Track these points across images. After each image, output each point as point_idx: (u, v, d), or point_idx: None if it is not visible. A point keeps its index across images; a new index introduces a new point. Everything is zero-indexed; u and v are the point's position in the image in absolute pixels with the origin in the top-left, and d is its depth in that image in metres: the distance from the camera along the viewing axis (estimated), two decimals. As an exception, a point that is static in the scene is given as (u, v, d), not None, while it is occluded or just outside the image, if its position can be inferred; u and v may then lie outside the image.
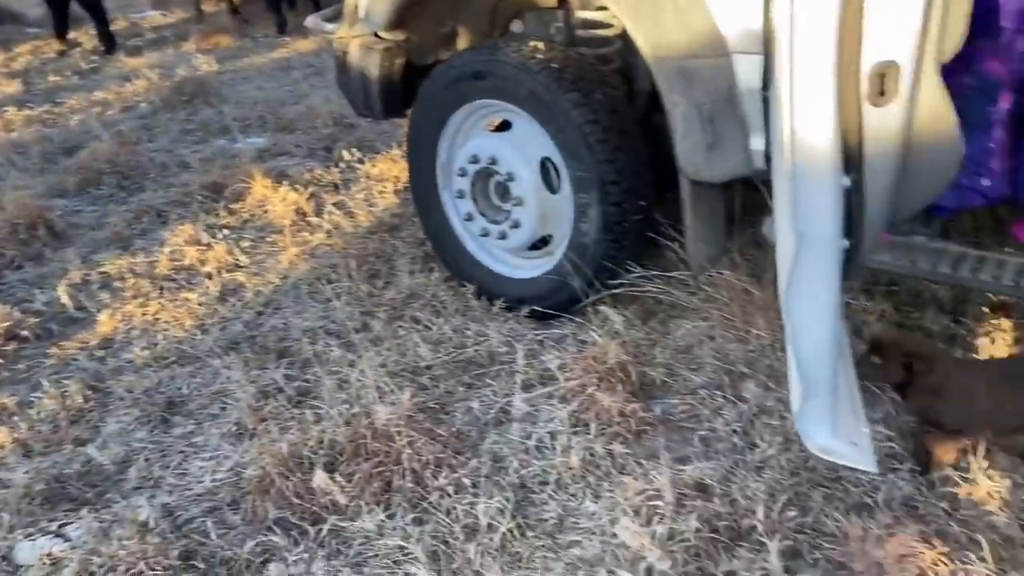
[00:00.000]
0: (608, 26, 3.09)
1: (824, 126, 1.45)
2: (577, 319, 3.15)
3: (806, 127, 1.46)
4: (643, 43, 2.68)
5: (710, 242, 2.94)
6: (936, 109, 1.48)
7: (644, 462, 2.49)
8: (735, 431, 2.57)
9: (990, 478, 2.28)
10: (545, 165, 3.07)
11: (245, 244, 4.11)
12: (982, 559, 2.05)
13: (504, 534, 2.29)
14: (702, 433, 2.60)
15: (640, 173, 2.99)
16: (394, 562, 2.25)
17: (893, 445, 2.43)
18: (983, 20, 2.51)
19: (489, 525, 2.33)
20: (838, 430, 1.73)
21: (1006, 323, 2.85)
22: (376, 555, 2.27)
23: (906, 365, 2.11)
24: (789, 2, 1.39)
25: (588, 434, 2.61)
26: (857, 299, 3.05)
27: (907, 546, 2.09)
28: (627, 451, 2.54)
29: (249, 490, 2.51)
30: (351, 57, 3.44)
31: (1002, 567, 2.04)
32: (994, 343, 2.80)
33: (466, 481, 2.48)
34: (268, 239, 4.14)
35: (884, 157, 1.48)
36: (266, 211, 4.39)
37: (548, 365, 2.94)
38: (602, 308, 3.06)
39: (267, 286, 3.73)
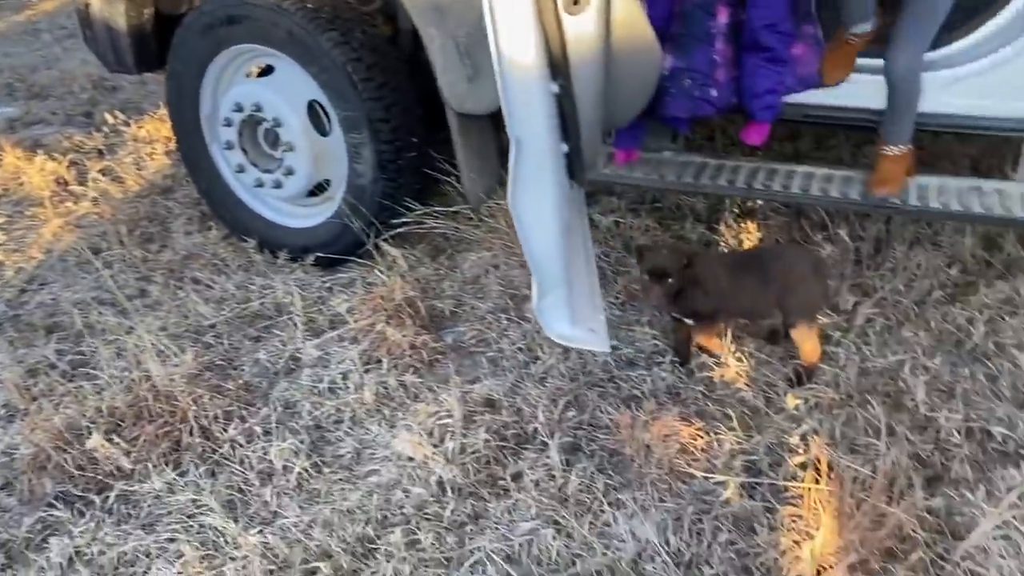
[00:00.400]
0: (365, -36, 3.07)
1: (526, 35, 1.55)
2: (364, 262, 3.17)
3: (510, 37, 1.55)
4: (391, -24, 2.69)
5: (484, 174, 3.03)
6: (630, 16, 1.61)
7: (436, 388, 2.58)
8: (520, 349, 2.71)
9: (739, 360, 2.55)
10: (313, 108, 3.04)
11: (0, 221, 3.78)
12: (731, 429, 2.31)
13: (300, 473, 2.32)
14: (490, 354, 2.73)
15: (409, 110, 3.02)
16: (188, 516, 2.21)
17: (657, 343, 2.67)
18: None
19: (284, 467, 2.34)
20: (577, 319, 1.87)
21: (751, 226, 3.16)
22: (168, 512, 2.23)
23: (667, 272, 2.31)
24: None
25: (381, 370, 2.66)
26: (624, 218, 3.27)
27: (670, 427, 2.31)
28: (420, 380, 2.62)
29: (23, 469, 2.37)
30: (93, 9, 3.22)
31: (748, 433, 2.30)
32: (742, 245, 3.10)
33: (258, 429, 2.47)
34: (27, 213, 3.83)
35: (587, 63, 1.61)
36: (21, 184, 4.05)
37: (337, 309, 2.95)
38: (388, 248, 3.10)
39: (29, 262, 3.47)
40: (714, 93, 2.62)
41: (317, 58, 2.87)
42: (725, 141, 3.68)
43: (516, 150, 1.63)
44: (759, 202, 3.20)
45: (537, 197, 1.63)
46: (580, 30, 1.56)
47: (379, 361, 2.70)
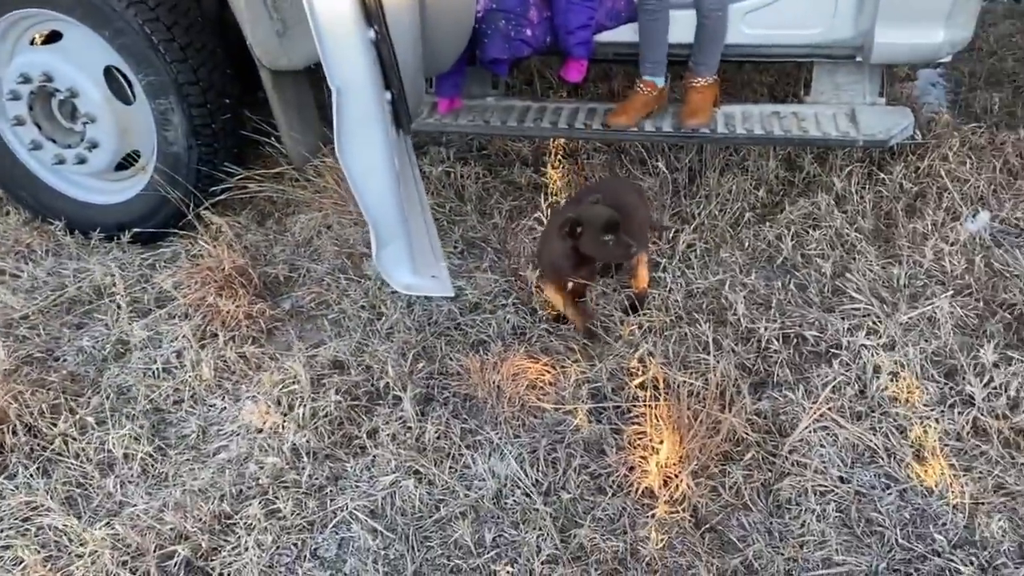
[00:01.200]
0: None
1: (338, -15, 1.52)
2: (187, 234, 3.01)
3: (320, -11, 1.52)
4: (186, -69, 2.53)
5: (306, 132, 2.95)
6: (438, -38, 1.62)
7: (279, 356, 2.51)
8: (363, 307, 2.68)
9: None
10: (113, 75, 2.83)
11: None
12: (575, 360, 2.40)
13: (143, 459, 2.21)
14: (332, 316, 2.68)
15: (219, 70, 2.86)
16: (23, 519, 2.06)
17: (499, 286, 2.72)
18: None
19: (126, 455, 2.22)
20: (418, 268, 1.89)
21: (577, 165, 3.26)
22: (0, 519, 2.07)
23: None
24: None
25: (217, 344, 2.56)
26: (454, 167, 3.28)
27: (518, 366, 2.37)
28: (260, 350, 2.55)
29: None
30: None
31: (591, 363, 2.40)
32: (569, 185, 3.19)
33: (91, 420, 2.32)
34: None
35: (402, 8, 1.60)
36: None
37: (163, 286, 2.80)
38: (211, 217, 2.96)
39: None
40: (529, 33, 2.67)
41: (110, 20, 2.66)
42: (544, 85, 3.75)
43: (338, 100, 1.60)
44: (581, 141, 3.29)
45: (365, 146, 1.61)
46: (391, -26, 1.54)
47: (215, 335, 2.59)
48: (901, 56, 2.65)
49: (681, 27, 2.68)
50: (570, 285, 2.40)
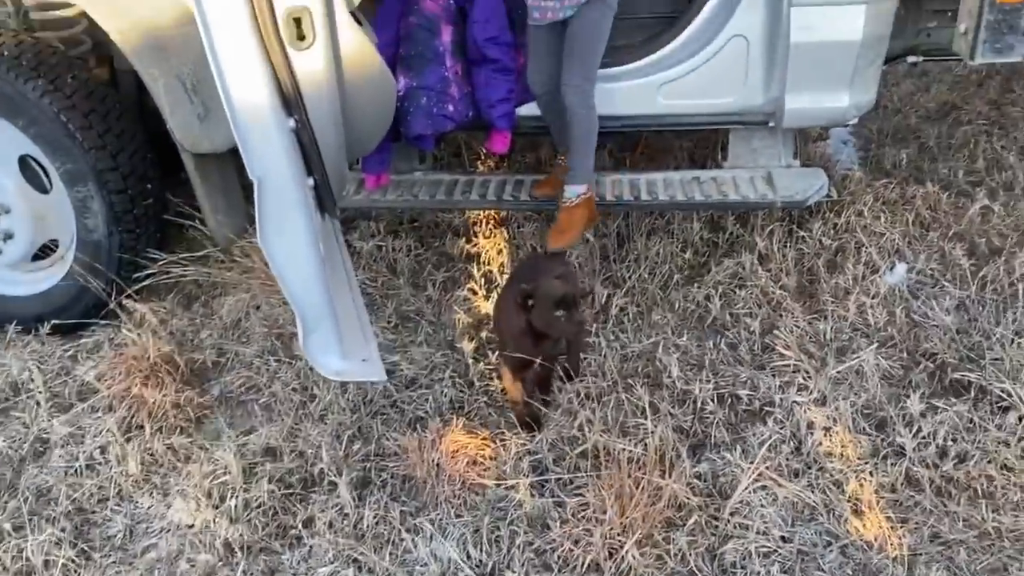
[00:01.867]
0: (69, 5, 2.84)
1: (254, 75, 1.52)
2: (109, 323, 2.92)
3: (238, 78, 1.51)
4: (103, 21, 2.52)
5: (231, 213, 2.91)
6: (357, 46, 1.64)
7: (209, 446, 2.43)
8: (294, 390, 2.62)
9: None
10: (28, 164, 2.76)
11: None
12: (515, 432, 2.38)
13: (65, 565, 2.09)
14: (263, 400, 2.62)
15: (140, 155, 2.83)
16: (-70, 645, 1.93)
17: (434, 359, 2.69)
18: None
19: (46, 563, 2.11)
20: (348, 352, 1.86)
21: (508, 234, 3.28)
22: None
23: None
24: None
25: (143, 436, 2.47)
26: (385, 240, 3.27)
27: (458, 442, 2.34)
28: (189, 440, 2.46)
29: None
30: None
31: (531, 433, 2.38)
32: (500, 254, 3.21)
33: (7, 526, 2.20)
34: None
35: (321, 96, 1.61)
36: None
37: (85, 378, 2.70)
38: (136, 305, 2.88)
39: None
40: (451, 108, 2.71)
41: (24, 110, 2.61)
42: (472, 154, 3.80)
43: (260, 190, 1.59)
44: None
45: (288, 235, 1.59)
46: (309, 65, 1.55)
47: (141, 427, 2.50)
48: (811, 120, 2.76)
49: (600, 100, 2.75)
50: (531, 374, 2.36)
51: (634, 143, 3.70)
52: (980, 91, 4.20)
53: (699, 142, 3.67)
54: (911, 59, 3.00)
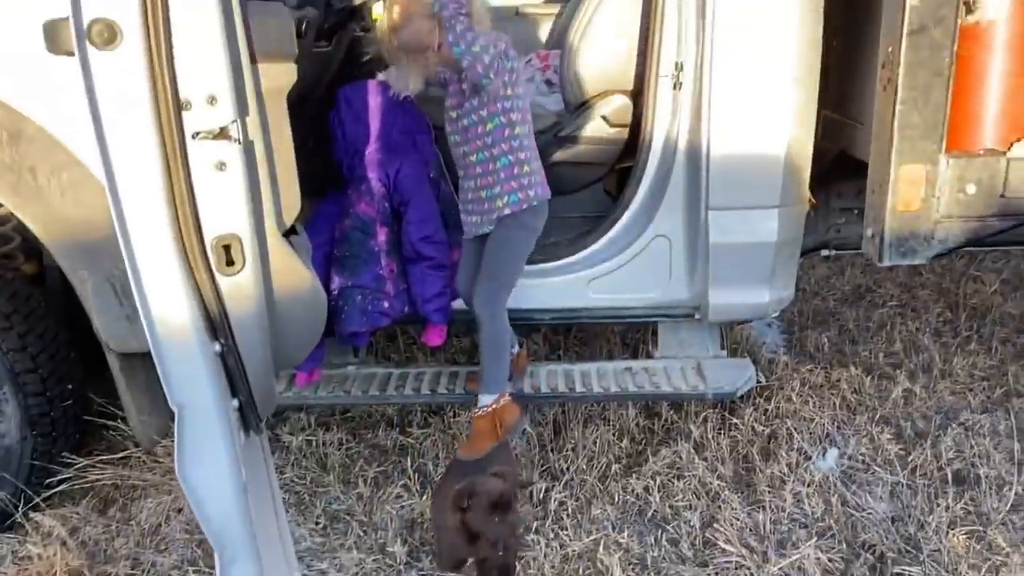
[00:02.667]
0: (-1, 205, 2.83)
1: (179, 300, 1.51)
2: (14, 535, 2.72)
3: (161, 303, 1.50)
4: (32, 222, 2.50)
5: (155, 412, 2.80)
6: (287, 265, 1.66)
7: (115, 674, 2.22)
8: (214, 604, 2.45)
9: None
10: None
11: None
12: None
13: None
14: (179, 618, 2.43)
15: (62, 355, 2.74)
16: None
17: (365, 565, 2.56)
18: (351, 173, 2.92)
19: None
20: (268, 582, 1.75)
21: (442, 425, 3.24)
22: None
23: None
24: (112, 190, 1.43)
25: (42, 666, 2.25)
26: (316, 434, 3.18)
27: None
28: (91, 670, 2.25)
29: None
30: None
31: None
32: (435, 446, 3.15)
33: None
34: None
35: (249, 317, 1.60)
36: None
37: (-19, 599, 2.48)
38: (43, 515, 2.70)
39: None
40: (386, 305, 2.73)
41: (-61, 311, 2.53)
42: (407, 340, 3.80)
43: (180, 418, 1.54)
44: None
45: (208, 465, 1.53)
46: (238, 289, 1.55)
47: (40, 655, 2.28)
48: (734, 315, 2.86)
49: (533, 295, 2.81)
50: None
51: (567, 328, 3.76)
52: (891, 275, 4.44)
53: (630, 327, 3.76)
54: (824, 252, 3.18)
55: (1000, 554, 2.49)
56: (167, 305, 1.51)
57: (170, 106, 1.41)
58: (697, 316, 2.84)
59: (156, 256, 1.48)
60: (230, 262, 1.51)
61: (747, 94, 2.49)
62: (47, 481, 2.75)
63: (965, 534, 2.56)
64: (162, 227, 1.47)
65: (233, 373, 1.60)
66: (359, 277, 2.69)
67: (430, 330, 2.93)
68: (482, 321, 2.68)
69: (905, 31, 2.24)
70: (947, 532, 2.57)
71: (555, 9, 3.62)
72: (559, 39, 3.20)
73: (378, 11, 3.77)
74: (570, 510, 2.77)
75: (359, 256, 2.70)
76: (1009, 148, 2.39)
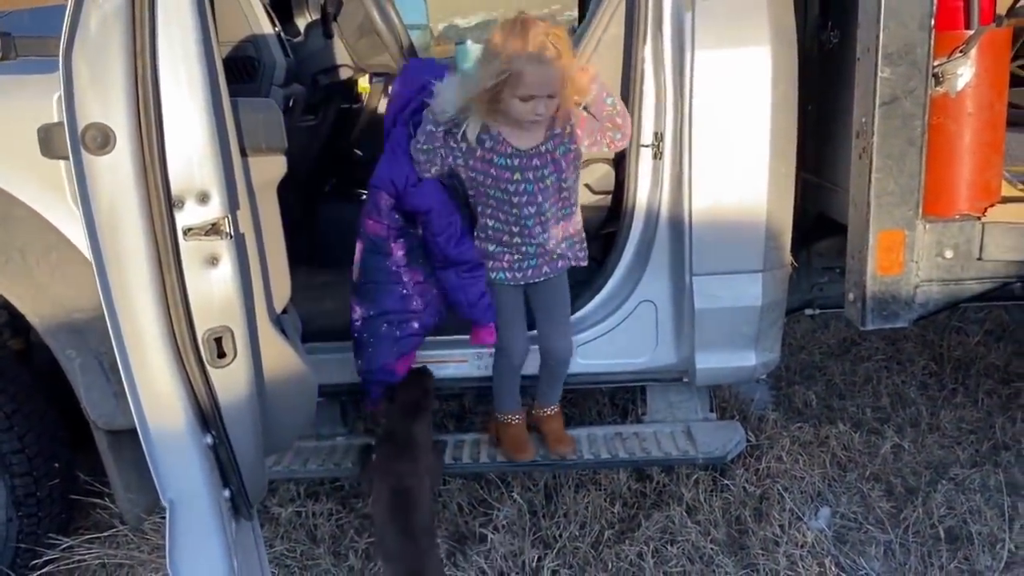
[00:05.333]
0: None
1: (170, 394, 1.52)
2: (-2, 619, 2.67)
3: (153, 397, 1.51)
4: (20, 303, 2.50)
5: (142, 490, 2.77)
6: (279, 354, 1.68)
7: None
8: None
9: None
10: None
11: None
12: None
13: None
14: None
15: (49, 434, 2.73)
16: None
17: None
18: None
19: None
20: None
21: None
22: None
23: None
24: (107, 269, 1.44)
25: None
26: (305, 504, 3.16)
27: None
28: None
29: None
30: None
31: None
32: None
33: None
34: None
35: (241, 408, 1.61)
36: None
37: None
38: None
39: None
40: (416, 325, 2.68)
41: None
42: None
43: (172, 513, 1.54)
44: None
45: (202, 559, 1.53)
46: (229, 381, 1.57)
47: None
48: (721, 378, 2.88)
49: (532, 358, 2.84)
50: None
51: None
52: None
53: (619, 388, 3.77)
54: (808, 311, 3.22)
55: (995, 615, 2.49)
56: (158, 399, 1.52)
57: (162, 205, 1.43)
58: (685, 380, 2.85)
59: (147, 351, 1.49)
60: (221, 354, 1.52)
61: (726, 164, 2.55)
62: (32, 563, 2.71)
63: (959, 595, 2.56)
64: (153, 323, 1.48)
65: (225, 464, 1.60)
66: (381, 304, 2.63)
67: (481, 331, 2.80)
68: (567, 359, 2.84)
69: (877, 102, 2.31)
70: (941, 594, 2.56)
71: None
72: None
73: (364, 84, 3.86)
74: (564, 580, 2.75)
75: (377, 281, 2.63)
76: (984, 213, 2.45)
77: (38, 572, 2.73)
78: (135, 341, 1.52)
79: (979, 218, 2.44)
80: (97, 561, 2.88)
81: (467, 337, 2.82)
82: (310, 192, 2.98)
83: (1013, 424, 3.46)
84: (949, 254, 2.43)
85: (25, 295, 2.50)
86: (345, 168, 3.88)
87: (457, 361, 2.91)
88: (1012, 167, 2.68)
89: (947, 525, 2.89)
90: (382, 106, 3.96)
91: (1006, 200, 2.52)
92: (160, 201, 1.43)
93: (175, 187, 1.45)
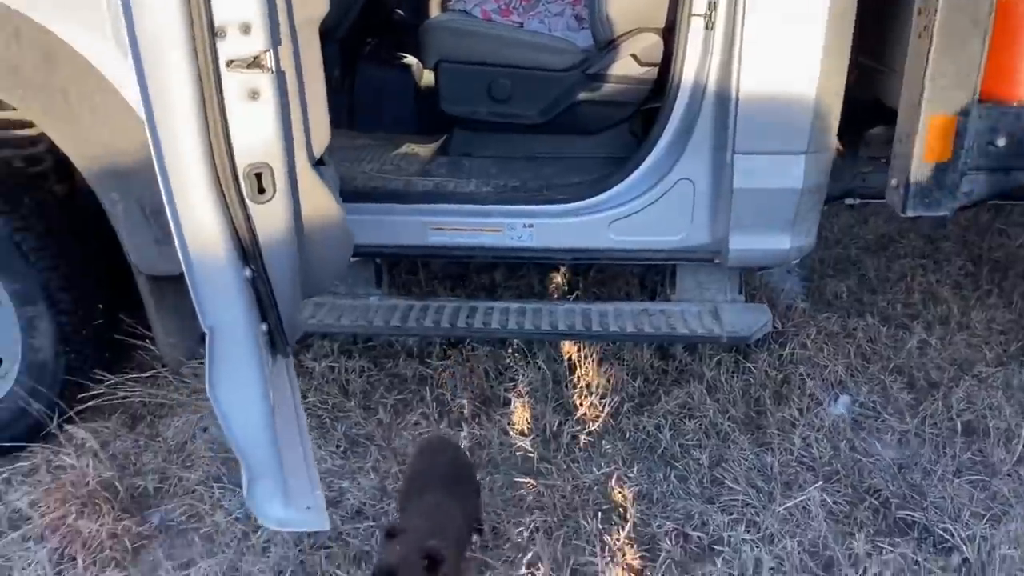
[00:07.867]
0: (31, 125, 2.87)
1: (212, 224, 1.56)
2: (49, 445, 2.84)
3: (195, 227, 1.55)
4: (63, 143, 2.54)
5: (183, 334, 2.87)
6: (318, 198, 1.70)
7: (144, 580, 2.35)
8: (237, 519, 2.56)
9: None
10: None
11: None
12: (462, 570, 2.33)
13: None
14: (204, 530, 2.54)
15: (94, 275, 2.82)
16: None
17: (383, 488, 2.66)
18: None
19: None
20: (291, 499, 1.84)
21: (461, 357, 3.30)
22: None
23: None
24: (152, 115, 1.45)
25: (76, 569, 2.37)
26: (338, 360, 3.26)
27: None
28: (124, 574, 2.37)
29: None
30: None
31: (479, 570, 2.34)
32: (454, 376, 3.21)
33: (-81, 672, 2.07)
34: None
35: (279, 245, 1.64)
36: None
37: (17, 505, 2.60)
38: (77, 427, 2.81)
39: None
40: None
41: (-28, 230, 2.60)
42: (428, 276, 3.85)
43: (211, 339, 1.60)
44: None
45: (237, 385, 1.60)
46: (269, 217, 1.59)
47: (74, 559, 2.40)
48: (754, 261, 2.87)
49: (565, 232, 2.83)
50: None
51: (586, 268, 3.79)
52: (915, 225, 4.41)
53: (649, 268, 3.78)
54: (849, 201, 3.16)
55: (1003, 504, 2.55)
56: (200, 232, 1.56)
57: (205, 34, 1.43)
58: (717, 261, 2.85)
59: (190, 183, 1.52)
60: (261, 190, 1.55)
61: (779, 37, 2.46)
62: (79, 396, 2.85)
63: (969, 483, 2.61)
64: (196, 155, 1.50)
65: (263, 298, 1.65)
66: None
67: None
68: None
69: (945, -23, 2.20)
70: (952, 480, 2.62)
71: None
72: (590, -27, 3.14)
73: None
74: (582, 444, 2.84)
75: None
76: (1044, 102, 2.36)
77: (85, 404, 2.88)
78: (178, 173, 1.54)
79: (1039, 107, 2.36)
80: (139, 400, 3.03)
81: (503, 206, 2.83)
82: (349, 50, 2.93)
83: (1045, 326, 3.44)
84: (1001, 142, 2.35)
85: (68, 136, 2.54)
86: (386, 29, 3.81)
87: (492, 231, 2.93)
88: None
89: (965, 419, 2.92)
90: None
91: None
92: (203, 29, 1.42)
93: (217, 16, 1.44)
